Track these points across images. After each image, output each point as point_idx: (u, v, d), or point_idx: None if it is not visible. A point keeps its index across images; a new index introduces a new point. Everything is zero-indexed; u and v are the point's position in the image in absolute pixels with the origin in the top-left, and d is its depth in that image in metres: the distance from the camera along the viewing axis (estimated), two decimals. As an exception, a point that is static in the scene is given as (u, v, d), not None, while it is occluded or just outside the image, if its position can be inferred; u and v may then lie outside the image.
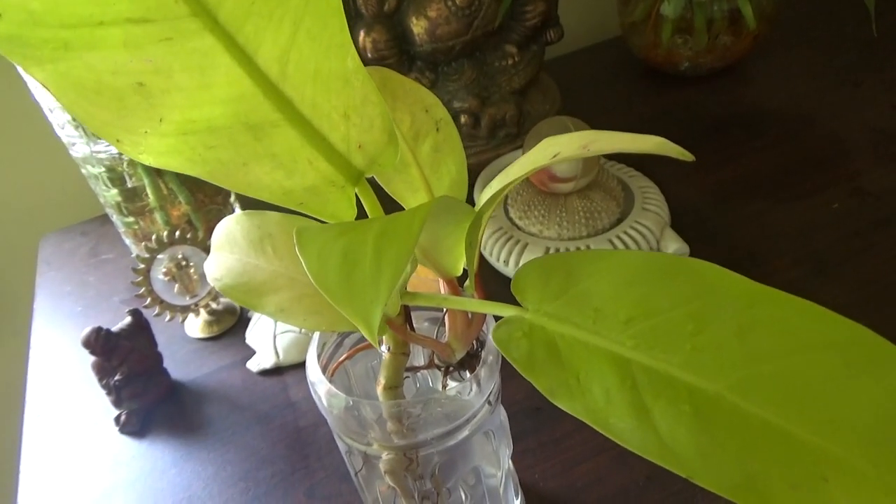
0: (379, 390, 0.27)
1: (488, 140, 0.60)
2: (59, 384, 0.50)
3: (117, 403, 0.46)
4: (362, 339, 0.29)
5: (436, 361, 0.28)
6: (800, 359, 0.18)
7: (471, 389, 0.27)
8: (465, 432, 0.27)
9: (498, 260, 0.48)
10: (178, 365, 0.49)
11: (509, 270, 0.48)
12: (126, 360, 0.45)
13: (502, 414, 0.30)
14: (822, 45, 0.71)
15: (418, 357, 0.31)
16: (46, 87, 0.14)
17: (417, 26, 0.56)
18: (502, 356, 0.23)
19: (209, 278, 0.25)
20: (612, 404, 0.18)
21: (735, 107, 0.65)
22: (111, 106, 0.15)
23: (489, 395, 0.27)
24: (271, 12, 0.16)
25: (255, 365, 0.48)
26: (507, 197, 0.52)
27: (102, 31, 0.14)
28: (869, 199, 0.52)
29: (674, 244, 0.47)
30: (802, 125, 0.61)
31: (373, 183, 0.24)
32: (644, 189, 0.51)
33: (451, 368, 0.28)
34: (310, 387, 0.26)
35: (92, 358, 0.45)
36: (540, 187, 0.49)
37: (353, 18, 0.56)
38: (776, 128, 0.61)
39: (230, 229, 0.26)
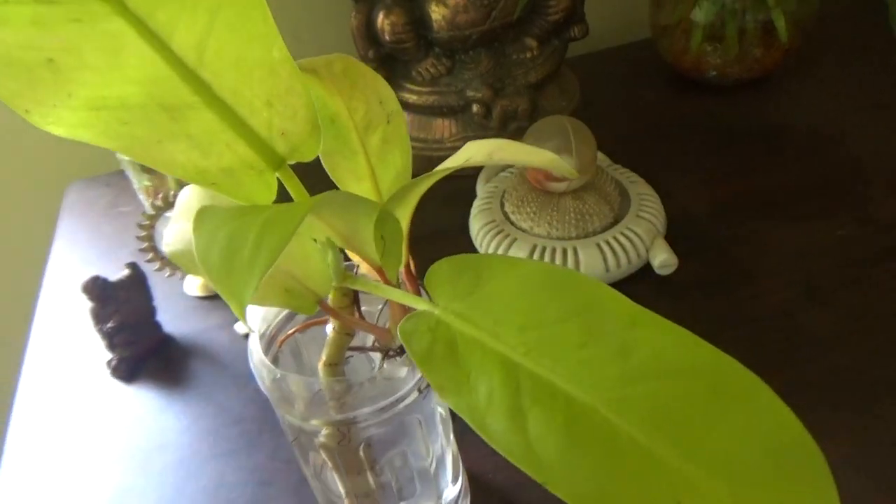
0: (320, 366, 0.29)
1: (499, 132, 0.60)
2: (63, 323, 0.53)
3: (110, 349, 0.49)
4: (312, 315, 0.31)
5: (376, 345, 0.29)
6: (672, 383, 0.18)
7: (404, 373, 0.28)
8: (395, 413, 0.28)
9: (487, 251, 0.49)
10: (172, 320, 0.52)
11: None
12: (120, 310, 0.48)
13: (435, 405, 0.30)
14: (854, 66, 0.69)
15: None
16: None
17: (436, 12, 0.56)
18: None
19: (163, 244, 0.26)
20: (492, 405, 0.19)
21: (756, 120, 0.64)
22: (20, 78, 0.16)
23: (419, 383, 0.28)
24: (183, 3, 0.17)
25: (242, 328, 0.50)
26: (504, 191, 0.52)
27: (9, 9, 0.15)
28: (876, 228, 0.51)
29: (662, 255, 0.47)
30: (821, 145, 0.59)
31: (317, 168, 0.25)
32: (642, 196, 0.50)
33: (389, 353, 0.29)
34: (248, 355, 0.28)
35: (90, 304, 0.48)
36: (534, 184, 0.49)
37: (373, 0, 0.57)
38: (794, 145, 0.60)
39: (188, 199, 0.27)
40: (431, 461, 0.32)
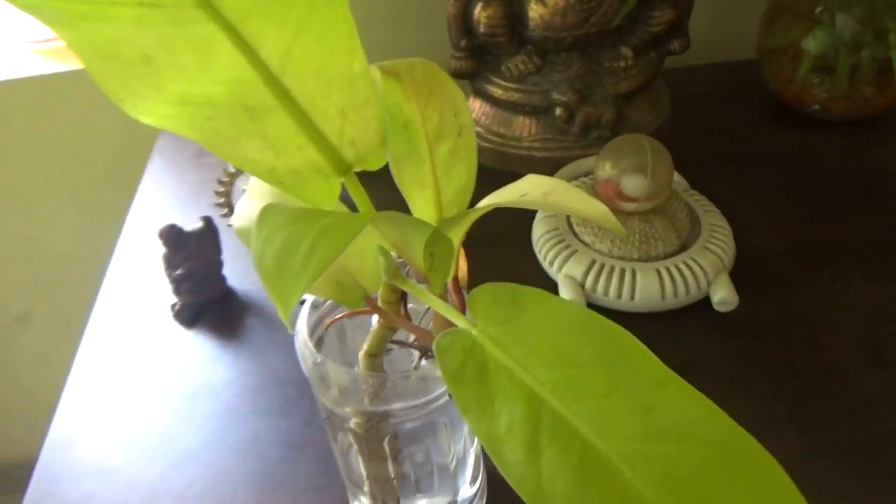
0: (361, 355, 0.30)
1: (578, 138, 0.60)
2: (137, 263, 0.57)
3: (176, 293, 0.51)
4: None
5: (416, 344, 0.30)
6: (689, 449, 0.18)
7: (438, 375, 0.28)
8: (424, 412, 0.29)
9: (544, 260, 0.49)
10: (236, 275, 0.54)
11: (552, 273, 0.48)
12: (189, 259, 0.50)
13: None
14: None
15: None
16: (66, 42, 0.17)
17: (534, 11, 0.56)
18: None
19: (232, 218, 0.28)
20: (511, 436, 0.20)
21: (853, 163, 0.61)
22: (120, 70, 0.17)
23: (451, 389, 0.28)
24: (273, 14, 0.17)
25: (305, 306, 0.52)
26: (573, 200, 0.52)
27: (115, 9, 0.16)
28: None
29: (722, 292, 0.46)
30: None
31: (385, 174, 0.26)
32: (714, 227, 0.49)
33: (428, 353, 0.30)
34: (294, 334, 0.29)
35: (163, 249, 0.50)
36: (605, 200, 0.48)
37: (472, -9, 0.57)
38: (890, 196, 0.57)
39: (260, 183, 0.28)
40: (452, 460, 0.33)
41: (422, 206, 0.27)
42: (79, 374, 0.48)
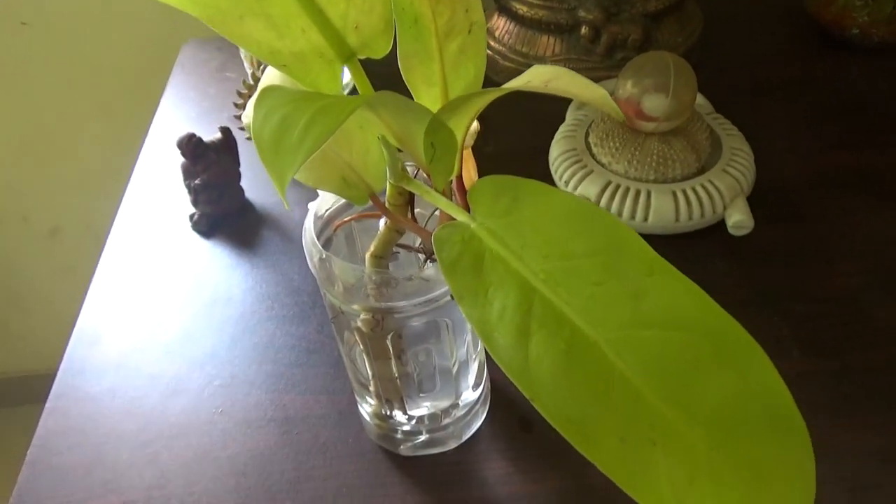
0: (367, 256, 0.30)
1: (603, 59, 0.58)
2: (159, 171, 0.58)
3: (194, 203, 0.52)
4: (370, 206, 0.32)
5: (422, 247, 0.30)
6: (676, 334, 0.18)
7: (442, 277, 0.29)
8: (427, 311, 0.30)
9: (559, 180, 0.49)
10: (254, 186, 0.55)
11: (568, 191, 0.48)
12: (208, 169, 0.51)
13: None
14: None
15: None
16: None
17: (562, -79, 0.53)
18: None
19: (243, 115, 0.28)
20: (502, 321, 0.20)
21: (888, 91, 0.58)
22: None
23: (453, 289, 0.29)
24: None
25: (314, 206, 0.52)
26: (592, 121, 0.51)
27: None
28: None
29: (737, 215, 0.45)
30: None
31: (393, 67, 0.26)
32: (735, 150, 0.48)
33: (433, 256, 0.30)
34: (302, 232, 0.30)
35: (182, 159, 0.51)
36: (623, 121, 0.47)
37: None
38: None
39: (270, 78, 0.28)
40: (454, 363, 0.33)
41: (430, 104, 0.26)
42: (102, 278, 0.49)
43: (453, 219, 0.24)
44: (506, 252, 0.21)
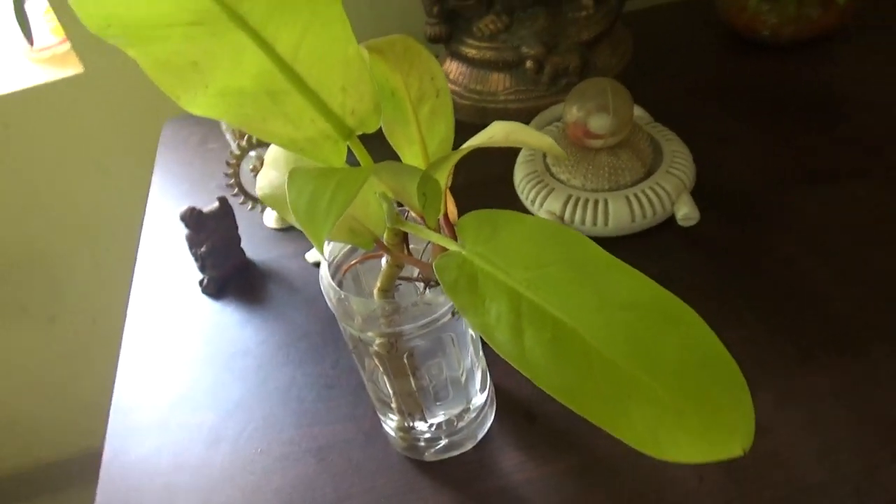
0: (375, 291, 0.36)
1: (549, 87, 0.65)
2: (164, 246, 0.63)
3: (202, 269, 0.57)
4: (371, 251, 0.38)
5: (420, 276, 0.36)
6: (632, 313, 0.24)
7: (441, 300, 0.34)
8: (433, 329, 0.35)
9: (526, 200, 0.55)
10: (253, 247, 0.60)
11: (534, 210, 0.54)
12: (211, 237, 0.56)
13: (467, 328, 0.37)
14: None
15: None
16: (135, 58, 0.22)
17: (495, -26, 0.60)
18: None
19: (257, 187, 0.34)
20: (500, 323, 0.26)
21: (805, 83, 0.66)
22: (176, 75, 0.23)
23: (453, 307, 0.35)
24: (285, 18, 0.23)
25: (311, 257, 0.58)
26: (547, 144, 0.57)
27: (169, 30, 0.22)
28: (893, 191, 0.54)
29: (684, 208, 0.51)
30: (867, 111, 0.61)
31: (380, 137, 0.32)
32: (675, 153, 0.55)
33: (430, 283, 0.36)
34: (319, 279, 0.35)
35: (186, 231, 0.56)
36: (574, 141, 0.54)
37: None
38: (838, 111, 0.62)
39: (277, 153, 0.34)
40: (462, 372, 0.39)
41: (412, 159, 0.32)
42: (129, 350, 0.54)
43: (445, 249, 0.29)
44: (494, 270, 0.27)
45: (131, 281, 0.60)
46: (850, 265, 0.49)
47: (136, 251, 0.63)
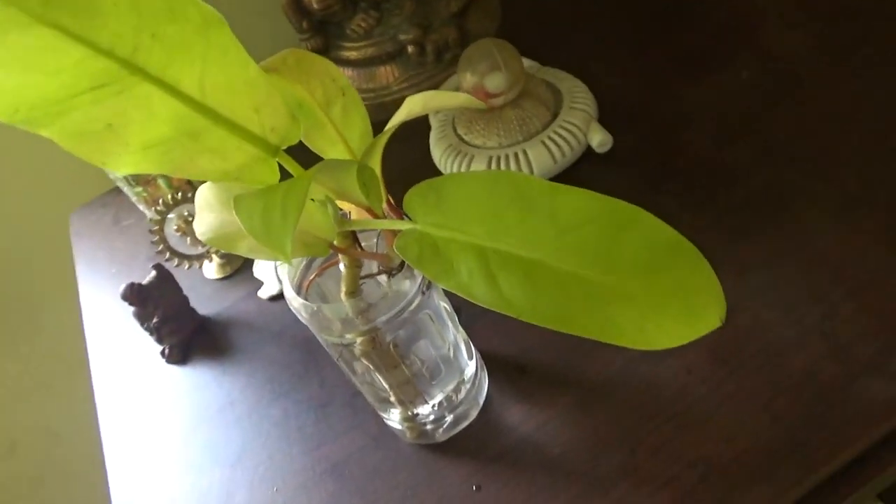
0: (342, 296, 0.36)
1: (436, 65, 0.66)
2: (112, 332, 0.61)
3: (160, 340, 0.56)
4: (325, 259, 0.38)
5: (381, 269, 0.37)
6: (587, 228, 0.26)
7: (407, 285, 0.35)
8: (408, 313, 0.36)
9: (449, 172, 0.56)
10: (204, 303, 0.59)
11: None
12: (159, 306, 0.55)
13: (439, 302, 0.38)
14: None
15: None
16: (51, 138, 0.22)
17: (352, -28, 0.61)
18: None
19: (198, 234, 0.34)
20: (473, 279, 0.27)
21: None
22: (94, 142, 0.23)
23: (421, 286, 0.36)
24: (182, 58, 0.23)
25: (264, 293, 0.58)
26: (454, 117, 0.59)
27: (76, 100, 0.22)
28: (776, 64, 0.58)
29: (597, 136, 0.54)
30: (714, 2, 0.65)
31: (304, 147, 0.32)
32: (572, 89, 0.57)
33: (392, 272, 0.36)
34: (287, 302, 0.36)
35: (132, 308, 0.55)
36: (477, 105, 0.55)
37: (295, -24, 0.62)
38: (698, 9, 0.66)
39: (206, 195, 0.34)
40: (448, 347, 0.40)
41: (340, 158, 0.33)
42: (110, 440, 0.53)
43: (398, 233, 0.30)
44: (451, 233, 0.28)
45: (91, 389, 0.58)
46: (756, 141, 0.53)
47: (86, 353, 0.61)
